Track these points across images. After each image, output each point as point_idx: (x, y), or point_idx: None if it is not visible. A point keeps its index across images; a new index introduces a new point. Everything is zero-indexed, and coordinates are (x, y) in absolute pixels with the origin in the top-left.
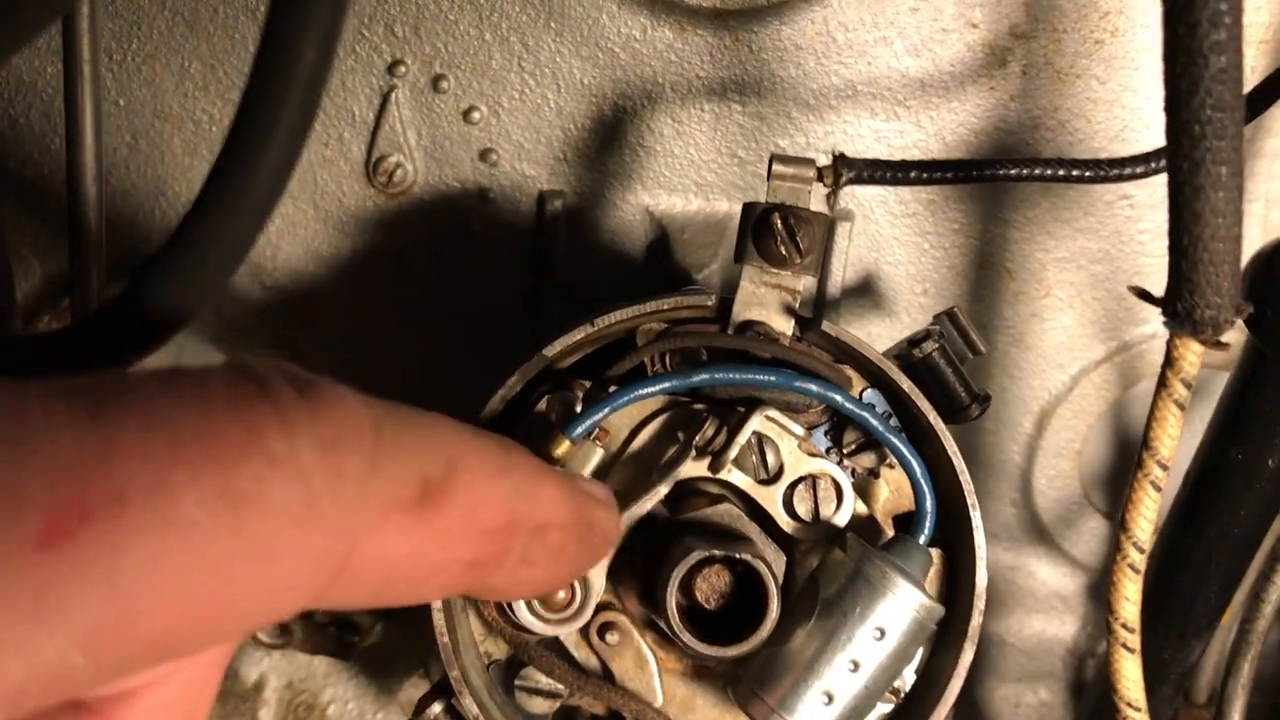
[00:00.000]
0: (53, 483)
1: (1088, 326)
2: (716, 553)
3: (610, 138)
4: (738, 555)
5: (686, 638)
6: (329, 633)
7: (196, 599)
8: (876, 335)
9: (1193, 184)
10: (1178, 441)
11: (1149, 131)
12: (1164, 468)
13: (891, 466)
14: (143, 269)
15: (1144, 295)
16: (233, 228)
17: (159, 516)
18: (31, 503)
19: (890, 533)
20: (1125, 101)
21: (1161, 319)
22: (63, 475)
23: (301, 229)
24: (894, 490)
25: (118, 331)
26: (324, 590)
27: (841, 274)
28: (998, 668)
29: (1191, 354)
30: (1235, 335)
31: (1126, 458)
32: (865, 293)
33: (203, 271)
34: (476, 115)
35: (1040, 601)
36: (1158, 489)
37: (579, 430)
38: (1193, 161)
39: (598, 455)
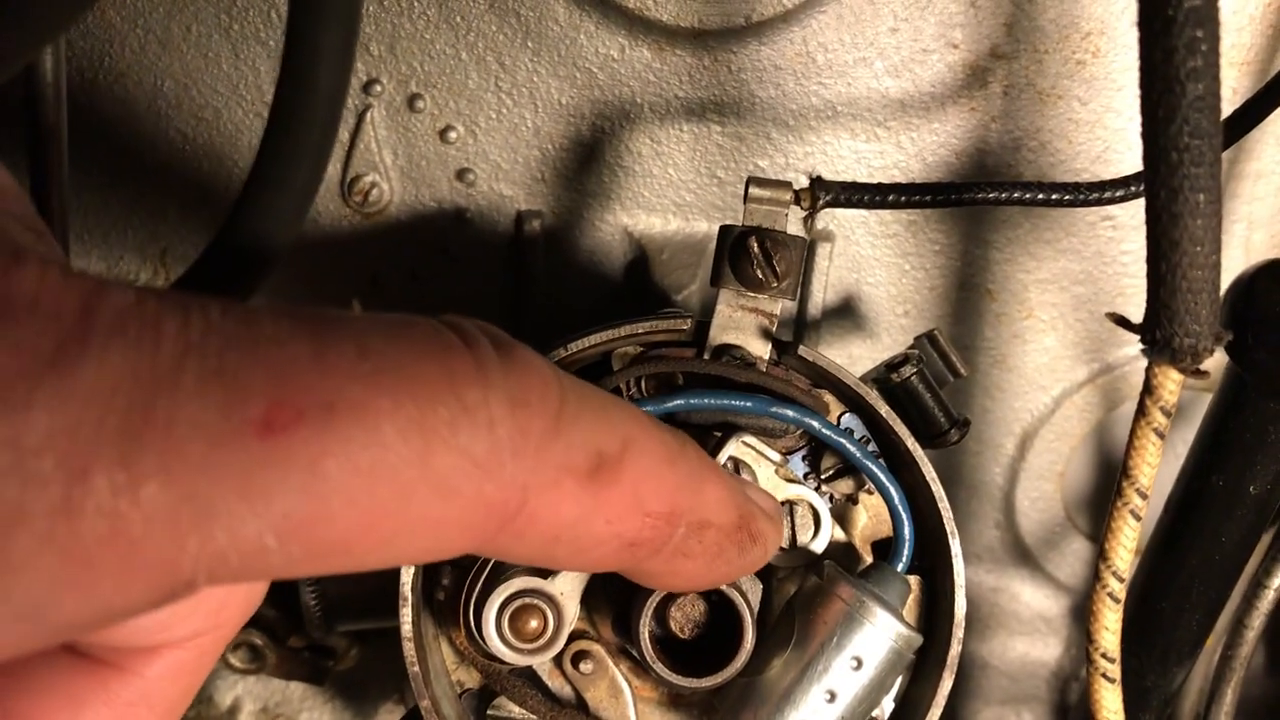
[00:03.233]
0: (276, 381)
1: (1070, 348)
2: None
3: (588, 158)
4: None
5: (660, 668)
6: (303, 657)
7: (381, 513)
8: (858, 357)
9: (1170, 211)
10: (1157, 470)
11: (1131, 153)
12: (1144, 496)
13: (870, 492)
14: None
15: (1122, 322)
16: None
17: (362, 431)
18: (256, 394)
19: (869, 559)
20: (1107, 123)
21: (1140, 347)
22: (284, 376)
23: None
24: (873, 516)
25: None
26: (491, 537)
27: (822, 295)
28: (981, 691)
29: (1171, 382)
30: (1216, 359)
31: (1109, 480)
32: (846, 314)
33: (285, 201)
34: (453, 135)
35: (1024, 624)
36: (1137, 518)
37: None
38: (1170, 189)
39: None
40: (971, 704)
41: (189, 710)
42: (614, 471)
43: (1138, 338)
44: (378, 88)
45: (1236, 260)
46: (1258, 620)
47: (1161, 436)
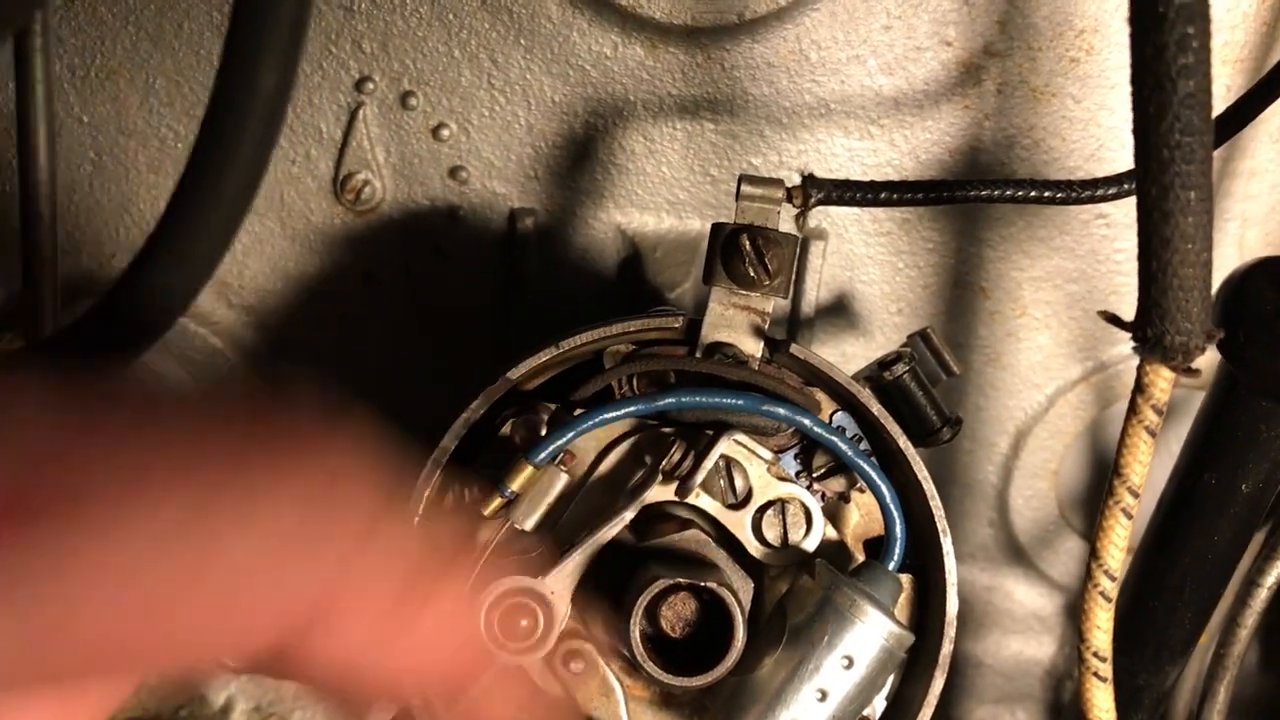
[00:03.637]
0: (12, 474)
1: (1064, 346)
2: (681, 580)
3: (582, 155)
4: (703, 583)
5: (650, 667)
6: None
7: (145, 621)
8: (851, 355)
9: (1161, 209)
10: (1149, 468)
11: (1125, 150)
12: (1135, 495)
13: (862, 490)
14: (132, 268)
15: (1114, 320)
16: (189, 262)
17: (116, 524)
18: None
19: (860, 557)
20: (1101, 120)
21: (1131, 345)
22: (25, 468)
23: (269, 247)
24: (865, 514)
25: (101, 333)
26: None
27: (816, 293)
28: (975, 689)
29: (1162, 380)
30: (1209, 357)
31: (1103, 478)
32: (840, 312)
33: (187, 265)
34: (446, 132)
35: (1018, 622)
36: (1129, 516)
37: (542, 455)
38: (1161, 186)
39: (562, 480)
40: (965, 703)
41: (181, 710)
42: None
43: (1130, 336)
44: (370, 85)
45: (1230, 258)
46: (1251, 619)
47: (1153, 435)
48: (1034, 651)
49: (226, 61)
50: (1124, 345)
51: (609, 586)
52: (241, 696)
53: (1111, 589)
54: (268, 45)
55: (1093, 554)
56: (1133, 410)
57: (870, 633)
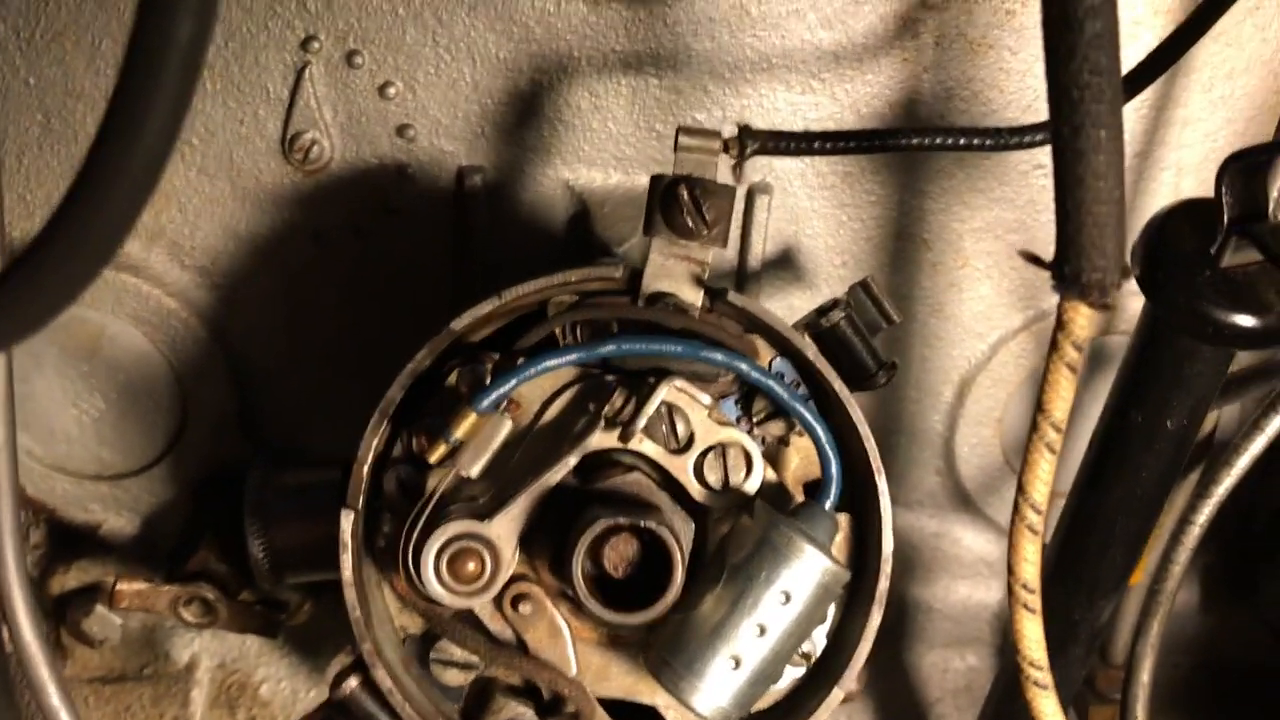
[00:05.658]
0: None
1: (1005, 296)
2: (622, 520)
3: (528, 112)
4: (642, 524)
5: (593, 605)
6: (255, 611)
7: None
8: (798, 308)
9: (1074, 148)
10: (1070, 404)
11: None
12: (1058, 430)
13: (801, 434)
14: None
15: (1034, 259)
16: (106, 218)
17: None
18: None
19: (800, 499)
20: (1037, 71)
21: (1050, 283)
22: None
23: (219, 207)
24: (804, 457)
25: None
26: None
27: (761, 247)
28: (925, 634)
29: (1081, 317)
30: (1135, 300)
31: None
32: (785, 265)
33: (73, 264)
34: (392, 91)
35: (966, 567)
36: (1053, 451)
37: (486, 402)
38: (1072, 126)
39: (507, 427)
40: (916, 647)
41: (146, 668)
42: None
43: (1050, 275)
44: (315, 44)
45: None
46: (1184, 555)
47: (1074, 371)
48: (982, 596)
49: (140, 11)
50: None
51: (555, 530)
52: (205, 654)
53: (1037, 522)
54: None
55: (1019, 488)
56: (1054, 347)
57: (806, 569)
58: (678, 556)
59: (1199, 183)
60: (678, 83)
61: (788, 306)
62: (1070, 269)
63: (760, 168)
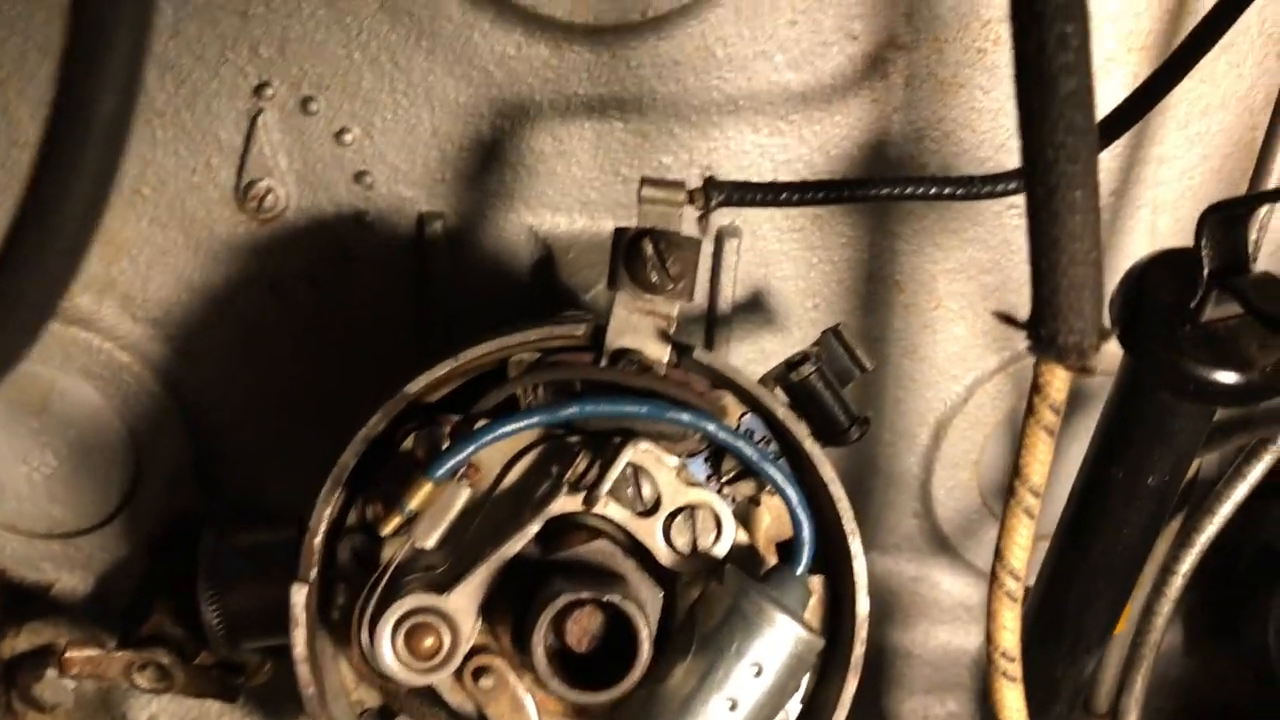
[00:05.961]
0: None
1: (980, 337)
2: (585, 595)
3: (490, 157)
4: (605, 599)
5: (555, 684)
6: (212, 675)
7: None
8: (770, 352)
9: (1049, 210)
10: (1048, 468)
11: None
12: (1036, 495)
13: (772, 493)
14: None
15: (1009, 320)
16: (31, 291)
17: None
18: None
19: (773, 560)
20: (1010, 110)
21: (1026, 345)
22: None
23: (172, 258)
24: (775, 517)
25: None
26: None
27: (731, 290)
28: (905, 680)
29: (1058, 380)
30: (1114, 349)
31: None
32: (756, 309)
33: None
34: (349, 137)
35: (945, 612)
36: (1031, 516)
37: (442, 470)
38: (1047, 186)
39: (464, 495)
40: (895, 693)
41: None
42: None
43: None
44: (269, 91)
45: (1142, 245)
46: (1166, 607)
47: (1052, 434)
48: (962, 641)
49: (61, 84)
50: None
51: (517, 600)
52: (164, 714)
53: (1016, 589)
54: (107, 63)
55: (997, 554)
56: (1030, 411)
57: (778, 639)
58: (644, 633)
59: (1175, 220)
60: (643, 126)
61: (759, 350)
62: (1046, 331)
63: (728, 211)
